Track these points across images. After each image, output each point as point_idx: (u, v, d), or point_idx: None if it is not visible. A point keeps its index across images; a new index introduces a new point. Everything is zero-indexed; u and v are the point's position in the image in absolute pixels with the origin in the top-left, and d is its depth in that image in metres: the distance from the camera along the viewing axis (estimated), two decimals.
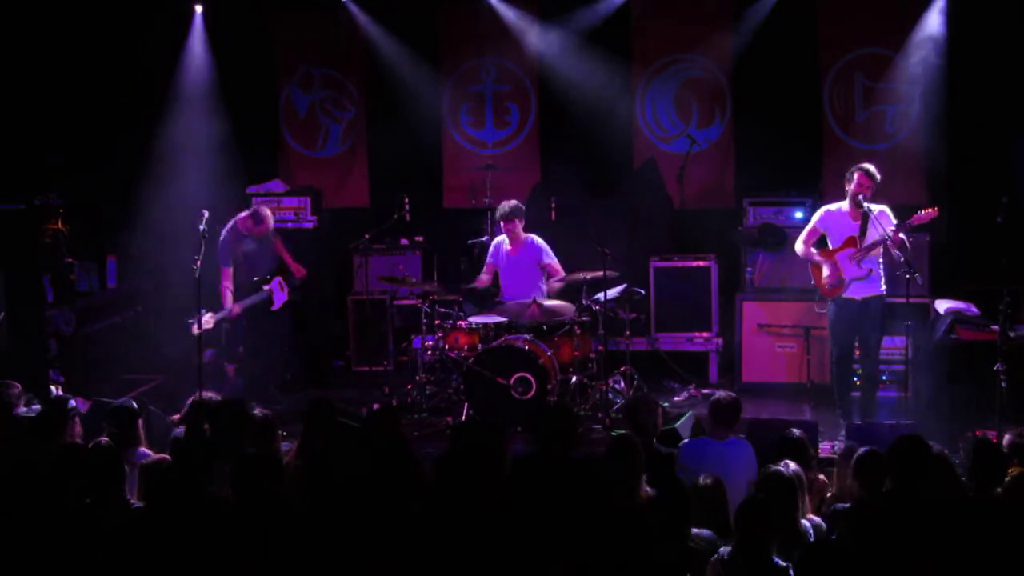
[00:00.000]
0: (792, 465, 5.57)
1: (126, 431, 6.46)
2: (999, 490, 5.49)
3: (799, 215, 10.27)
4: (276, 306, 9.66)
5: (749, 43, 10.90)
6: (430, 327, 9.46)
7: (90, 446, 5.76)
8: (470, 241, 10.70)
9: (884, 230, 8.25)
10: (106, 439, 6.05)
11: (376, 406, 9.12)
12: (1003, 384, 7.64)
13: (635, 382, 9.50)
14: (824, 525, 5.58)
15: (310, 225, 11.00)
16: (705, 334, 10.48)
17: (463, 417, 8.80)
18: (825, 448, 7.79)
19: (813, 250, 8.69)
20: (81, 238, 11.02)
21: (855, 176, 8.45)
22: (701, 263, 10.51)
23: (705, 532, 5.26)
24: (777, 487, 5.34)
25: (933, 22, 10.45)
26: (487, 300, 9.71)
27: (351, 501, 5.16)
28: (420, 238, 11.28)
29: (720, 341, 10.45)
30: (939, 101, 10.52)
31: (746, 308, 10.17)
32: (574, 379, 9.13)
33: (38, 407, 7.37)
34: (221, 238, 9.55)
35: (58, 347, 9.97)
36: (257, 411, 6.72)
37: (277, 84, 11.92)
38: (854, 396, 8.85)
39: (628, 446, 5.64)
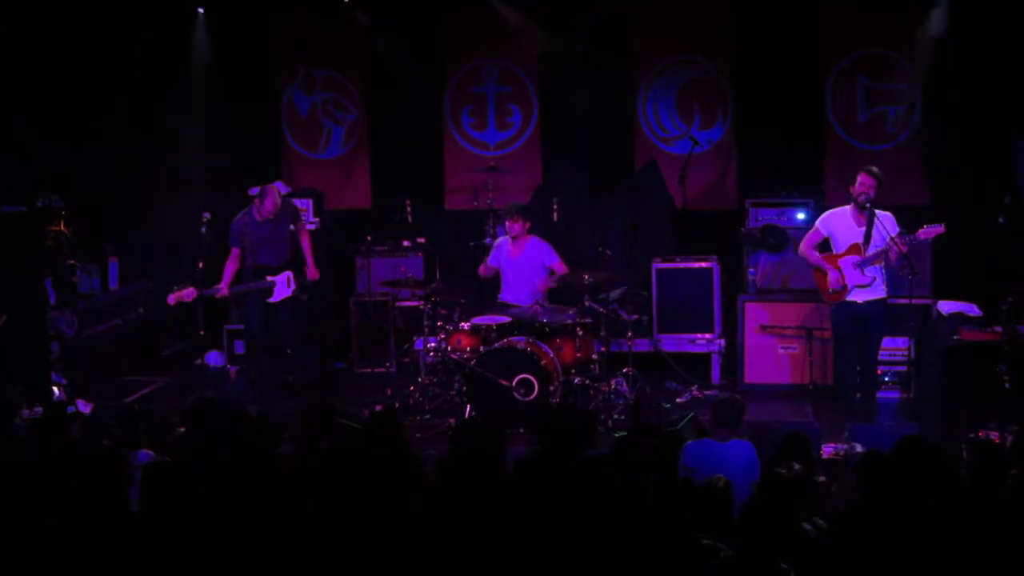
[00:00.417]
0: (795, 467, 5.57)
1: (128, 433, 6.47)
2: (1002, 491, 5.49)
3: (801, 216, 10.27)
4: (275, 299, 9.50)
5: (751, 44, 10.90)
6: (432, 328, 9.46)
7: (92, 448, 5.77)
8: (472, 243, 10.71)
9: (888, 240, 8.19)
10: (108, 441, 6.06)
11: (378, 407, 9.18)
12: (1006, 385, 7.64)
13: (637, 383, 9.49)
14: (826, 527, 5.58)
15: (312, 227, 10.96)
16: (707, 335, 10.47)
17: (466, 419, 8.79)
18: (827, 450, 7.79)
19: (817, 254, 8.66)
20: (83, 240, 11.01)
21: (858, 177, 8.44)
22: (703, 264, 10.50)
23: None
24: (779, 490, 5.34)
25: (935, 23, 10.44)
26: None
27: (352, 503, 5.16)
28: (422, 240, 11.29)
29: (722, 342, 10.45)
30: (941, 101, 10.51)
31: (748, 309, 10.17)
32: (576, 381, 9.13)
33: (40, 409, 7.39)
34: (235, 219, 9.50)
35: (60, 349, 9.97)
36: (256, 412, 6.72)
37: (278, 86, 11.92)
38: (857, 398, 8.84)
39: (632, 447, 5.65)
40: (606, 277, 9.41)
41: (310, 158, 12.01)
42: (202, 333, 9.12)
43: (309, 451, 6.29)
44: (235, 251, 9.36)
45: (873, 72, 10.85)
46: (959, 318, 8.86)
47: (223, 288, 9.28)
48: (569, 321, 9.15)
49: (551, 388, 8.72)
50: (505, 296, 9.72)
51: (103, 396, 8.24)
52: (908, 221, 8.59)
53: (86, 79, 11.09)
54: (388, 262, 11.01)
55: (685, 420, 7.61)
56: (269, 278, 9.42)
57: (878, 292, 8.47)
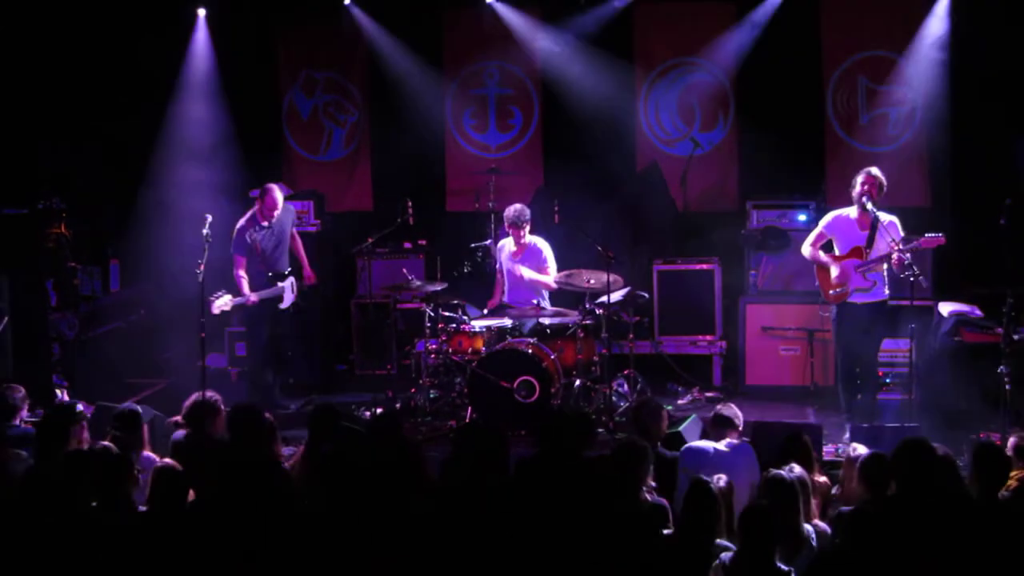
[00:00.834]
0: (796, 469, 5.57)
1: (131, 435, 6.47)
2: (1003, 492, 5.49)
3: (802, 218, 10.26)
4: (285, 304, 9.62)
5: (752, 46, 10.89)
6: (433, 331, 9.46)
7: (95, 450, 5.77)
8: (473, 244, 10.70)
9: (890, 245, 8.17)
10: (110, 443, 6.06)
11: (379, 410, 9.19)
12: (1007, 386, 7.63)
13: (638, 385, 9.49)
14: (827, 529, 5.58)
15: (313, 229, 10.97)
16: (708, 337, 10.48)
17: (467, 421, 8.79)
18: (829, 451, 7.79)
19: (821, 252, 8.64)
20: (84, 242, 11.01)
21: (858, 178, 8.42)
22: (704, 266, 10.51)
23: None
24: (780, 491, 5.34)
25: (936, 24, 10.44)
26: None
27: (356, 504, 5.16)
28: (423, 242, 11.28)
29: (724, 344, 10.45)
30: (942, 103, 10.52)
31: (749, 311, 10.17)
32: (578, 383, 9.12)
33: (42, 412, 7.39)
34: (237, 226, 9.52)
35: (61, 351, 9.98)
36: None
37: (280, 88, 11.92)
38: (859, 399, 8.84)
39: (634, 450, 5.65)
40: (607, 279, 9.39)
41: (311, 160, 12.01)
42: (203, 336, 9.12)
43: (313, 453, 6.30)
44: (240, 259, 9.41)
45: (874, 74, 10.86)
46: (960, 320, 8.85)
47: (251, 296, 9.35)
48: (570, 323, 9.15)
49: (552, 390, 8.72)
50: (505, 298, 9.71)
51: (104, 398, 8.24)
52: (909, 223, 8.57)
53: (86, 80, 11.10)
54: (389, 264, 11.00)
55: (686, 422, 7.62)
56: (280, 284, 9.51)
57: (879, 295, 8.45)
